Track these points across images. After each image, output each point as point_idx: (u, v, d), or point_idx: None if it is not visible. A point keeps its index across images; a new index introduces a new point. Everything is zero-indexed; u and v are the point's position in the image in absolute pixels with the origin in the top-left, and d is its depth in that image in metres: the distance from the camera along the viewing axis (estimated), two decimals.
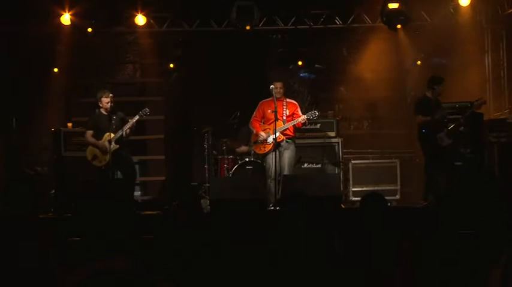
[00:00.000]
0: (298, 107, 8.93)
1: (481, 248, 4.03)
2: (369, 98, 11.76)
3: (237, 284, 4.15)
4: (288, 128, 8.74)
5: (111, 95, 8.60)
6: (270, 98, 8.83)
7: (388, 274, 3.95)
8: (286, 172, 8.62)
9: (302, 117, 8.71)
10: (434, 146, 8.69)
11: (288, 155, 8.72)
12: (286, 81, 9.17)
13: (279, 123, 8.66)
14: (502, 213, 4.67)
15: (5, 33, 10.24)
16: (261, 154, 8.92)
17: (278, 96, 8.68)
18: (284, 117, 8.72)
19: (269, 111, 8.80)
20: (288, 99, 8.90)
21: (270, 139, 8.69)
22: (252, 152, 9.24)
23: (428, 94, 8.84)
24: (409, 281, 3.78)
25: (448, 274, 4.01)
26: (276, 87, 8.67)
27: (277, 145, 8.61)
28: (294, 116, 8.81)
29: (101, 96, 8.60)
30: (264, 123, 8.87)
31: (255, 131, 8.84)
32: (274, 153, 8.59)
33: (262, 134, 8.73)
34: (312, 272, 4.04)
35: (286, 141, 8.72)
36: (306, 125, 9.10)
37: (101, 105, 8.62)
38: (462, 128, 8.75)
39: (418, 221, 6.70)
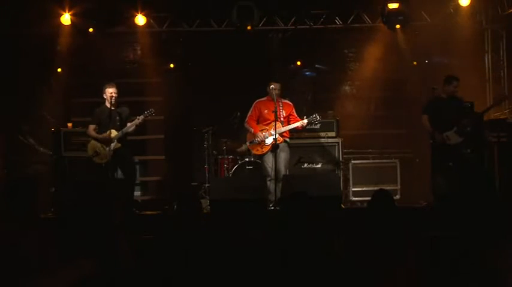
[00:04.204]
0: (293, 108, 8.93)
1: (480, 248, 4.04)
2: (368, 98, 11.76)
3: (236, 284, 4.15)
4: (285, 131, 8.75)
5: (114, 87, 8.56)
6: (265, 98, 8.85)
7: (391, 273, 3.96)
8: (283, 173, 8.62)
9: (303, 121, 8.72)
10: (440, 145, 8.66)
11: (284, 156, 8.72)
12: (284, 82, 9.16)
13: (278, 125, 8.65)
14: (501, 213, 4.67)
15: (5, 33, 10.24)
16: (258, 155, 8.92)
17: (275, 97, 8.67)
18: (281, 119, 8.72)
19: (266, 111, 8.80)
20: (284, 100, 8.91)
21: (269, 140, 8.68)
22: (252, 152, 9.24)
23: (442, 94, 8.81)
24: (413, 281, 3.79)
25: (450, 273, 4.01)
26: (274, 88, 8.67)
27: (275, 146, 8.61)
28: (290, 117, 8.82)
29: (105, 88, 8.56)
30: (259, 123, 8.87)
31: (252, 131, 8.83)
32: (273, 154, 8.59)
33: (261, 134, 8.72)
34: (312, 272, 4.04)
35: (283, 143, 8.72)
36: (305, 128, 9.11)
37: (105, 97, 8.59)
38: (469, 128, 8.71)
39: (419, 221, 6.71)
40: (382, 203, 4.41)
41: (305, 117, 8.82)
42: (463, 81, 8.88)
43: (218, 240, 4.45)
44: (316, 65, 11.89)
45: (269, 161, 8.66)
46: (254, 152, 8.95)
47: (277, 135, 8.62)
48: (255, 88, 9.38)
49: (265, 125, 8.81)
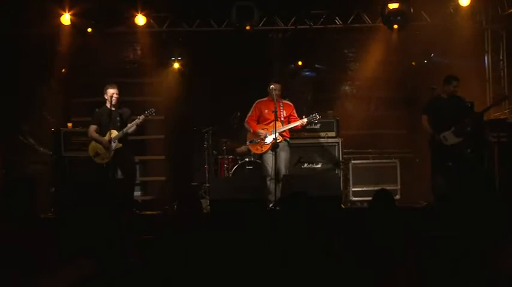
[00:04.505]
0: (294, 108, 8.94)
1: (480, 248, 4.04)
2: (369, 98, 11.76)
3: (236, 284, 4.15)
4: (285, 130, 8.76)
5: (116, 88, 8.56)
6: (266, 98, 8.85)
7: (391, 273, 3.96)
8: (283, 172, 8.63)
9: (303, 120, 8.73)
10: (439, 145, 8.67)
11: (284, 156, 8.72)
12: (284, 82, 9.17)
13: (278, 125, 8.66)
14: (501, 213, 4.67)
15: (5, 33, 10.25)
16: (258, 154, 8.93)
17: (275, 97, 8.68)
18: (282, 119, 8.72)
19: (266, 111, 8.81)
20: (284, 101, 8.92)
21: (269, 139, 8.69)
22: (252, 151, 9.25)
23: (442, 94, 8.82)
24: (413, 280, 3.79)
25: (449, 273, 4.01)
26: (274, 89, 8.68)
27: (275, 145, 8.62)
28: (291, 117, 8.83)
29: (107, 89, 8.54)
30: (259, 123, 8.87)
31: (252, 131, 8.85)
32: (274, 153, 8.60)
33: (261, 131, 8.73)
34: (312, 272, 4.04)
35: (283, 142, 8.73)
36: (305, 127, 9.11)
37: (106, 97, 8.56)
38: (469, 128, 8.71)
39: (419, 221, 6.71)
40: (382, 203, 4.42)
41: (304, 116, 8.82)
42: (463, 81, 8.88)
43: (218, 240, 4.45)
44: (316, 65, 11.89)
45: (269, 160, 8.67)
46: (254, 151, 8.96)
47: (277, 134, 8.62)
48: (255, 88, 9.39)
49: (265, 125, 8.81)
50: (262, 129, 8.77)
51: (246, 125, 8.96)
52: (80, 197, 4.14)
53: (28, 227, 3.68)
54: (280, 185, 8.50)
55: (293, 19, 10.86)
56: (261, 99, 8.93)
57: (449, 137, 8.61)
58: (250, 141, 8.91)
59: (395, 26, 10.15)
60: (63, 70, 10.90)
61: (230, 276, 4.16)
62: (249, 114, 8.94)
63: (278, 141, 8.63)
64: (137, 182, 10.41)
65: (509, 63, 10.67)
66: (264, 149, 8.74)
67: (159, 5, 10.52)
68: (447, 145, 8.61)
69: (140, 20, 10.48)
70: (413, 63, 11.29)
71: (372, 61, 11.17)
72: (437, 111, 8.69)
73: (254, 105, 8.95)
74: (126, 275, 3.88)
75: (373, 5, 10.47)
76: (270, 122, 8.73)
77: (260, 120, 8.88)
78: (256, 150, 8.87)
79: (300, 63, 11.81)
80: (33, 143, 10.83)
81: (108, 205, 4.14)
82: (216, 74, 11.13)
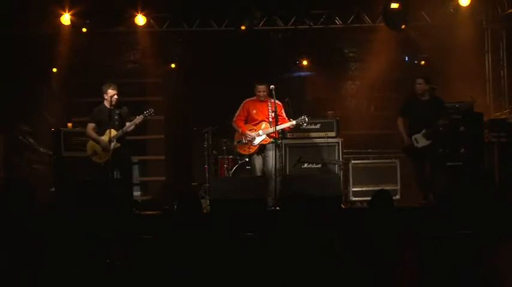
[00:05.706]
0: (283, 108, 8.90)
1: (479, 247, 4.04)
2: (368, 98, 11.76)
3: (236, 284, 4.15)
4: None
5: (116, 89, 8.54)
6: (254, 97, 8.85)
7: (391, 273, 3.96)
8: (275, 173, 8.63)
9: (292, 123, 8.72)
10: (410, 147, 8.74)
11: (272, 155, 8.70)
12: (284, 82, 9.16)
13: (266, 126, 8.65)
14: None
15: (5, 33, 10.25)
16: (246, 155, 8.94)
17: (262, 98, 8.67)
18: (270, 119, 8.70)
19: (254, 111, 8.81)
20: (272, 100, 8.89)
21: (257, 141, 8.68)
22: (239, 151, 9.22)
23: (417, 95, 8.86)
24: (413, 280, 3.80)
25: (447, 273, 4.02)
26: (259, 90, 8.67)
27: (262, 147, 8.64)
28: (279, 117, 8.76)
29: (107, 89, 8.51)
30: (248, 122, 8.85)
31: (240, 131, 8.82)
32: (274, 152, 8.63)
33: (249, 133, 8.72)
34: (312, 272, 4.04)
35: (271, 143, 8.71)
36: (299, 127, 9.10)
37: (106, 97, 8.54)
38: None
39: (418, 221, 6.71)
40: (382, 203, 4.42)
41: (291, 119, 8.81)
42: (463, 81, 8.89)
43: (218, 240, 4.45)
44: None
45: (257, 161, 8.71)
46: (241, 152, 8.96)
47: (264, 136, 8.64)
48: (255, 88, 9.37)
49: (253, 125, 8.80)
50: (250, 129, 8.76)
51: (233, 124, 8.93)
52: (79, 196, 4.14)
53: (28, 227, 3.68)
54: (280, 184, 8.49)
55: (293, 19, 10.86)
56: (249, 99, 8.91)
57: (420, 140, 8.66)
58: (238, 142, 8.90)
59: (403, 26, 10.13)
60: (54, 69, 10.87)
61: (230, 276, 4.16)
62: (236, 114, 8.91)
63: (265, 143, 8.65)
64: (137, 182, 10.41)
65: (509, 63, 10.67)
66: (251, 150, 8.75)
67: (159, 5, 10.53)
68: (418, 147, 8.65)
69: (140, 20, 10.48)
70: (423, 62, 11.26)
71: (371, 61, 11.16)
72: (412, 113, 8.74)
73: (242, 104, 8.93)
74: (124, 275, 3.89)
75: (373, 5, 10.48)
76: (258, 122, 8.75)
77: (248, 120, 8.87)
78: (243, 151, 8.87)
79: (305, 63, 11.75)
80: (33, 143, 10.84)
81: (107, 204, 4.15)
82: (216, 74, 11.12)
